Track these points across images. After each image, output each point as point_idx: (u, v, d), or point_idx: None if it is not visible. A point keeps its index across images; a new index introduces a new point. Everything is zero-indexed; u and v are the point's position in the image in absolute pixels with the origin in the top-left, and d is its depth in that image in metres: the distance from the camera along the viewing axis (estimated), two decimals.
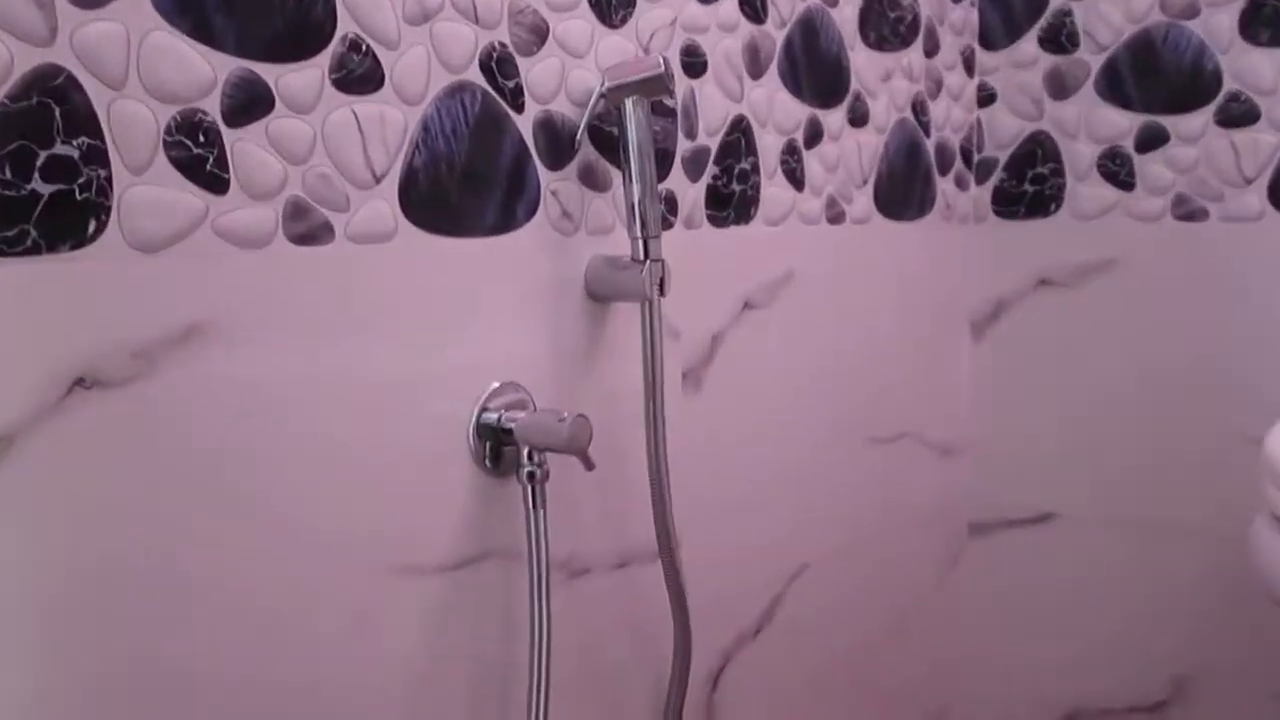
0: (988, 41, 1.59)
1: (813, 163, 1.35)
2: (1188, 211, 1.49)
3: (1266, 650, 1.45)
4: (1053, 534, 1.63)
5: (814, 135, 1.35)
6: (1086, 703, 1.64)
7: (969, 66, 1.60)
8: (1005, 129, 1.60)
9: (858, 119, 1.41)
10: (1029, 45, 1.56)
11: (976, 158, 1.62)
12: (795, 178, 1.33)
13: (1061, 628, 1.65)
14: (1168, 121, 1.49)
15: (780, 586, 1.39)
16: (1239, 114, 1.44)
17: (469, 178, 1.00)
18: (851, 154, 1.41)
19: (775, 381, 1.35)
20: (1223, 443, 1.46)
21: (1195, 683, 1.56)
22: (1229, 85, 1.45)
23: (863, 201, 1.43)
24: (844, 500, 1.47)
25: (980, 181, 1.62)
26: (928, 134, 1.53)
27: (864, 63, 1.41)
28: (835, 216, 1.40)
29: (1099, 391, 1.57)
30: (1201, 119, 1.47)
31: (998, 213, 1.62)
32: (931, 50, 1.52)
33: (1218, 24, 1.45)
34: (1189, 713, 1.57)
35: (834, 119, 1.38)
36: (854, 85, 1.40)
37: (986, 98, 1.61)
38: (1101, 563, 1.60)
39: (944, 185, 1.57)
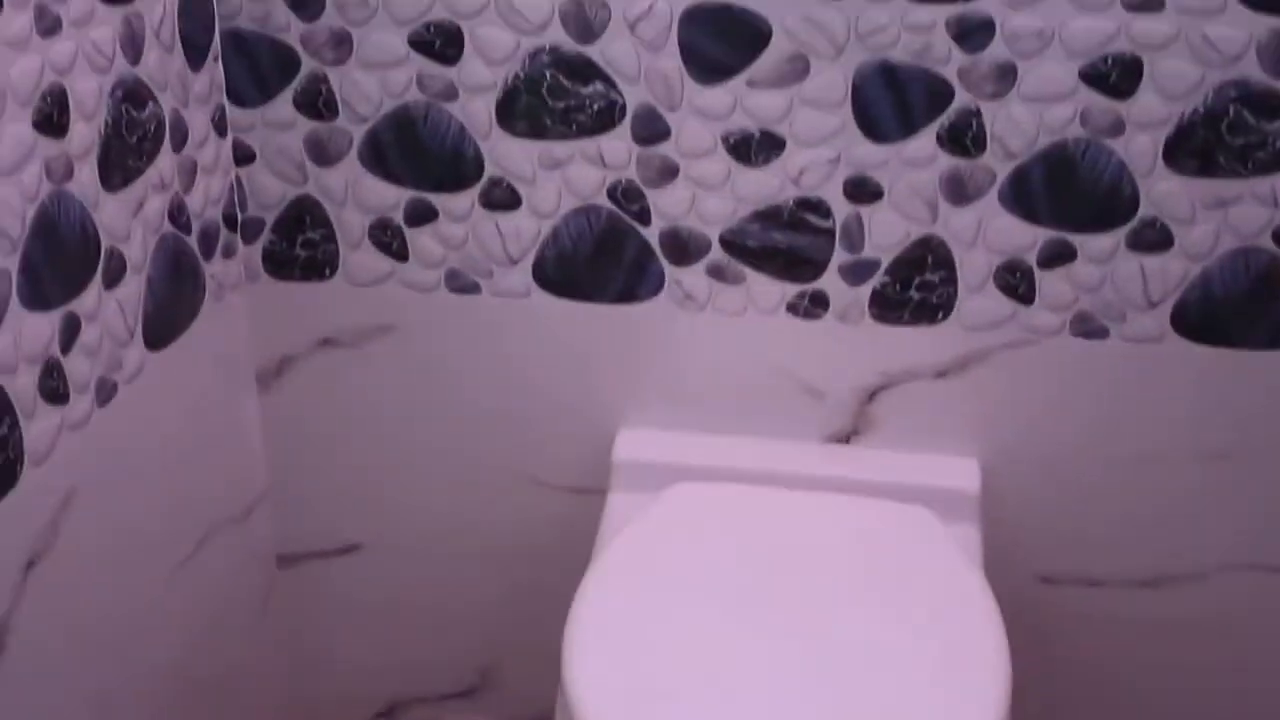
0: (240, 99, 1.47)
1: None
2: (460, 285, 1.52)
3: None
4: (361, 561, 1.71)
5: None
6: (404, 694, 1.81)
7: (221, 127, 1.47)
8: (269, 191, 1.51)
9: None
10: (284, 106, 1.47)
11: (241, 218, 1.53)
12: None
13: (380, 638, 1.77)
14: None
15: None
16: None
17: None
18: None
19: None
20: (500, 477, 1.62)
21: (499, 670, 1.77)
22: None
23: None
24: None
25: (248, 242, 1.54)
26: (189, 231, 1.41)
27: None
28: None
29: (395, 438, 1.63)
30: None
31: (271, 273, 1.56)
32: (180, 141, 1.38)
33: None
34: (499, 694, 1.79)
35: None
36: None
37: (245, 156, 1.50)
38: (409, 582, 1.72)
39: (212, 268, 1.48)
